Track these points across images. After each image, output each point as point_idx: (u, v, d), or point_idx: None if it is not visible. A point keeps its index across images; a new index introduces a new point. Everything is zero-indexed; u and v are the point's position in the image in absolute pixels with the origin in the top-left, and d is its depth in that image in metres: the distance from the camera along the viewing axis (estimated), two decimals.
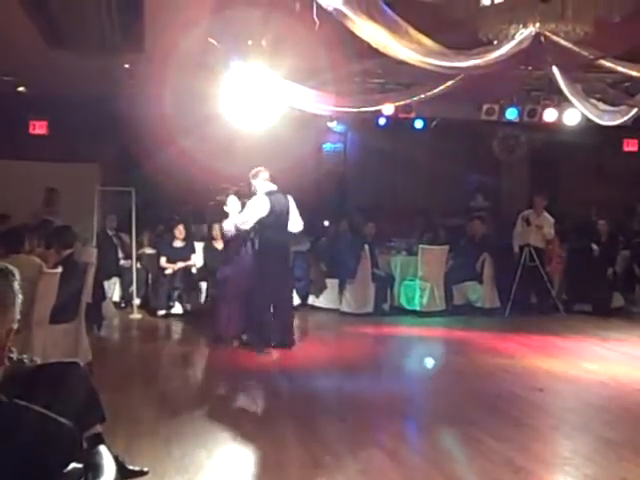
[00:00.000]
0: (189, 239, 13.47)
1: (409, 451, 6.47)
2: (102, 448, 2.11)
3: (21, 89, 13.90)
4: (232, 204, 10.41)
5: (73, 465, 1.81)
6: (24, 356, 4.00)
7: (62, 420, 1.85)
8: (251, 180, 10.25)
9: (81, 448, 1.96)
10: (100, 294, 10.62)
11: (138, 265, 13.76)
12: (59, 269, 7.74)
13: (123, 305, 13.52)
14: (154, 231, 14.51)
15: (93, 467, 1.92)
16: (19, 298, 1.93)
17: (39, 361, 4.14)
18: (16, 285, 1.93)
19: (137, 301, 13.46)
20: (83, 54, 10.29)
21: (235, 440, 6.47)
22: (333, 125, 15.88)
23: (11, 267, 1.97)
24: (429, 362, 9.73)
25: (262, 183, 10.19)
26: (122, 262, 13.84)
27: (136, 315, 12.86)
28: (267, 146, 12.78)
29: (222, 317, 10.26)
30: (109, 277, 12.95)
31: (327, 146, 17.91)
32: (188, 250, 13.29)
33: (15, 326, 1.93)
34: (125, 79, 12.09)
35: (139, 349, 10.63)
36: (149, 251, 14.00)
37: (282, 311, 10.35)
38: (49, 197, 13.67)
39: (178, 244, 13.19)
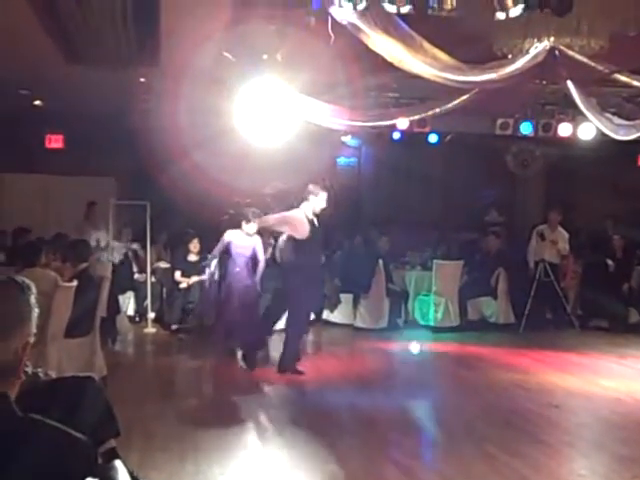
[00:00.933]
0: (203, 253, 13.45)
1: (423, 467, 6.45)
2: (118, 463, 2.10)
3: (37, 103, 13.98)
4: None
5: (89, 479, 1.80)
6: (39, 370, 4.00)
7: (78, 435, 1.85)
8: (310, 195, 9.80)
9: (96, 463, 1.95)
10: (115, 308, 10.63)
11: (153, 279, 13.78)
12: (74, 283, 7.75)
13: (137, 319, 13.52)
14: (164, 244, 14.55)
15: None
16: (35, 312, 1.93)
17: (54, 375, 4.13)
18: (32, 299, 1.93)
19: (151, 315, 13.47)
20: (99, 68, 10.34)
21: (248, 456, 6.45)
22: (347, 139, 15.89)
23: (27, 281, 1.97)
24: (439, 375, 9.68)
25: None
26: (136, 276, 13.87)
27: (150, 329, 12.86)
28: (281, 160, 12.80)
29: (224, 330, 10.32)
30: (124, 291, 12.96)
31: (341, 160, 17.92)
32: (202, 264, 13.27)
33: (32, 340, 1.93)
34: (140, 93, 12.14)
35: (153, 363, 10.63)
36: (163, 265, 14.02)
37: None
38: (90, 210, 13.78)
39: (192, 258, 13.18)
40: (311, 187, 9.75)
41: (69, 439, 1.81)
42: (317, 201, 9.72)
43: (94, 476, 1.83)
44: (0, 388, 1.83)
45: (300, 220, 9.64)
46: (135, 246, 13.87)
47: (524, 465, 6.19)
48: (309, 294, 9.85)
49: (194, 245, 13.14)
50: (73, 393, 3.76)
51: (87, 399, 3.86)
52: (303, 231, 9.61)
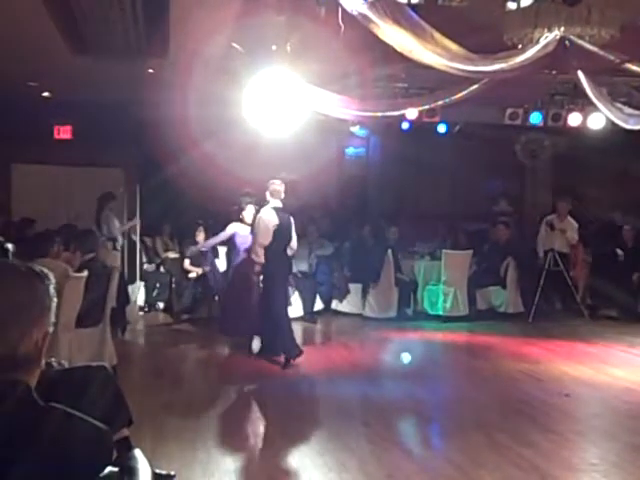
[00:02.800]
0: None
1: (434, 456, 6.46)
2: (137, 452, 2.10)
3: (46, 94, 14.00)
4: (249, 214, 10.53)
5: (109, 469, 1.81)
6: (52, 360, 4.01)
7: (98, 424, 1.86)
8: (266, 192, 9.92)
9: (116, 452, 1.97)
10: (124, 298, 10.66)
11: (162, 269, 13.83)
12: (85, 273, 7.77)
13: (147, 309, 13.57)
14: (169, 234, 14.59)
15: (129, 471, 1.91)
16: (54, 301, 1.94)
17: (66, 365, 4.15)
18: (52, 288, 1.94)
19: (161, 305, 13.52)
20: (107, 59, 10.35)
21: (259, 444, 6.48)
22: (356, 130, 15.86)
23: (46, 270, 1.97)
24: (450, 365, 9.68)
25: (272, 198, 9.86)
26: (146, 266, 13.91)
27: (160, 319, 12.90)
28: (290, 151, 12.81)
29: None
30: (133, 281, 13.00)
31: (350, 151, 17.89)
32: (212, 254, 13.28)
33: (51, 329, 1.94)
34: (149, 84, 12.14)
35: (163, 353, 10.66)
36: (172, 255, 14.06)
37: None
38: (111, 201, 13.61)
39: (202, 249, 13.19)
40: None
41: (89, 428, 1.82)
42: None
43: (114, 465, 1.84)
44: (23, 378, 1.84)
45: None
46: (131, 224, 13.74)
47: (535, 454, 6.20)
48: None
49: (200, 236, 13.14)
50: (86, 382, 3.77)
51: (100, 388, 3.87)
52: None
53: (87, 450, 1.77)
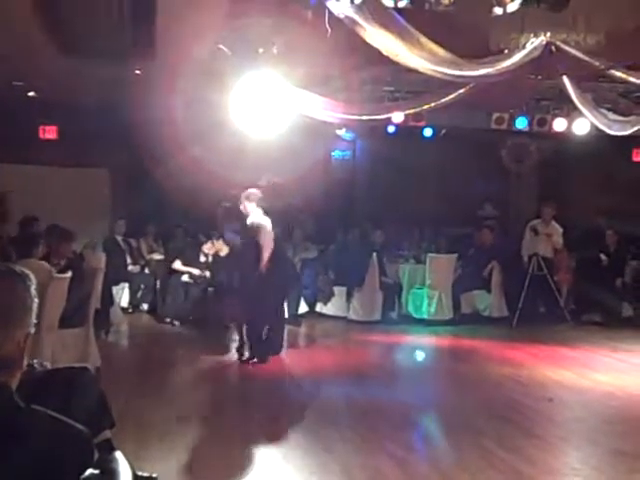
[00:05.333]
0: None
1: (418, 460, 6.46)
2: (118, 454, 2.10)
3: (31, 94, 13.93)
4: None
5: (90, 471, 1.81)
6: (34, 361, 3.99)
7: (79, 426, 1.85)
8: (244, 201, 9.84)
9: (96, 454, 1.96)
10: (108, 299, 10.62)
11: (146, 271, 13.80)
12: (69, 274, 7.75)
13: (131, 311, 13.53)
14: (154, 236, 14.55)
15: (109, 473, 1.91)
16: (36, 302, 1.93)
17: (49, 366, 4.13)
18: (33, 289, 1.93)
19: (145, 307, 13.48)
20: (94, 59, 10.30)
21: (242, 447, 6.46)
22: (342, 133, 15.88)
23: (27, 271, 1.97)
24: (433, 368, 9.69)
25: (255, 207, 9.80)
26: (130, 267, 13.87)
27: (144, 321, 12.87)
28: (276, 153, 12.79)
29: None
30: (117, 283, 12.95)
31: (336, 154, 17.90)
32: (207, 264, 13.22)
33: (32, 330, 1.94)
34: (136, 85, 12.10)
35: (147, 355, 10.61)
36: (157, 257, 14.02)
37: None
38: None
39: (203, 259, 13.15)
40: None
41: (70, 430, 1.82)
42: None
43: (95, 467, 1.84)
44: (3, 379, 1.83)
45: None
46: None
47: (518, 459, 6.20)
48: None
49: (208, 247, 13.11)
50: (68, 384, 3.75)
51: (82, 390, 3.85)
52: None
53: (68, 452, 1.77)
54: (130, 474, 2.02)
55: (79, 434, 1.83)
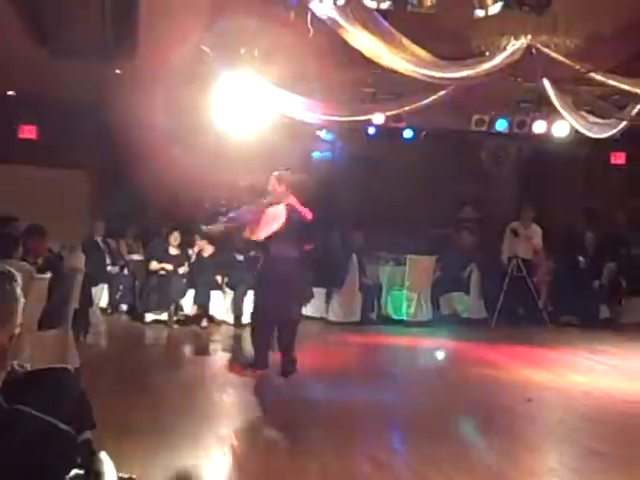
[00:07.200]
0: (183, 247, 13.31)
1: (396, 461, 6.46)
2: (103, 455, 2.09)
3: (10, 93, 13.84)
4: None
5: (75, 471, 1.80)
6: (14, 362, 3.96)
7: (63, 426, 1.85)
8: (275, 184, 9.22)
9: (81, 454, 1.95)
10: (87, 300, 10.56)
11: (125, 271, 13.74)
12: (48, 275, 7.70)
13: (110, 311, 13.46)
14: (134, 236, 14.48)
15: (95, 474, 1.90)
16: (21, 303, 1.92)
17: (29, 367, 4.10)
18: (19, 289, 1.92)
19: (124, 307, 13.42)
20: (74, 58, 10.25)
21: (222, 450, 6.44)
22: (322, 134, 15.87)
23: (13, 271, 1.95)
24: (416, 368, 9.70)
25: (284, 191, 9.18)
26: (109, 268, 13.80)
27: (123, 321, 12.81)
28: (256, 154, 12.75)
29: None
30: (96, 283, 12.88)
31: (316, 154, 17.88)
32: (183, 258, 13.17)
33: (17, 331, 1.92)
34: (116, 85, 12.05)
35: (126, 356, 10.56)
36: (136, 257, 13.96)
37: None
38: None
39: (173, 252, 13.09)
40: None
41: (55, 430, 1.81)
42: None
43: (80, 467, 1.83)
44: None
45: None
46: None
47: (497, 459, 6.24)
48: None
49: (174, 238, 13.05)
50: (49, 385, 3.73)
51: (63, 390, 3.83)
52: None
53: (53, 452, 1.76)
54: (115, 474, 2.02)
55: (64, 434, 1.83)
